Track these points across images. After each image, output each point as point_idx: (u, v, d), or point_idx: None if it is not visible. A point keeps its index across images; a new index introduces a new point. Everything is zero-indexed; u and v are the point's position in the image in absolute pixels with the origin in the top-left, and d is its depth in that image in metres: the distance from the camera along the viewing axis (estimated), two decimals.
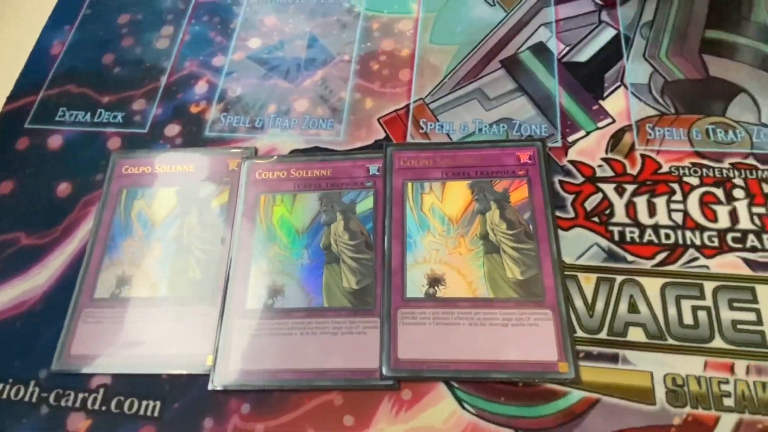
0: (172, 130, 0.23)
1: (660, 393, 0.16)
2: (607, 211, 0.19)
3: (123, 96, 0.24)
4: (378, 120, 0.22)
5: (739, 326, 0.17)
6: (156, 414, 0.18)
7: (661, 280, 0.18)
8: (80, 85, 0.24)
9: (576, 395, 0.17)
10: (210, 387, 0.18)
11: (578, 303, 0.18)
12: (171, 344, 0.18)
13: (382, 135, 0.22)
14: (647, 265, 0.18)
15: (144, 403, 0.18)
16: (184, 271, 0.20)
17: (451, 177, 0.20)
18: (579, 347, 0.17)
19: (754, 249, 0.18)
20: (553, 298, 0.18)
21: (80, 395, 0.18)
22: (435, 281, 0.19)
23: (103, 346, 0.19)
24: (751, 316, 0.17)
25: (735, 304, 0.17)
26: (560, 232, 0.19)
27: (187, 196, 0.21)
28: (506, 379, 0.17)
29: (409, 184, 0.20)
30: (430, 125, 0.22)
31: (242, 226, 0.20)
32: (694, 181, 0.20)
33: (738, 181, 0.19)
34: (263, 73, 0.24)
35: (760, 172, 0.20)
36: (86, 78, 0.25)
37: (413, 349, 0.17)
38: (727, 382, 0.16)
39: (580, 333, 0.17)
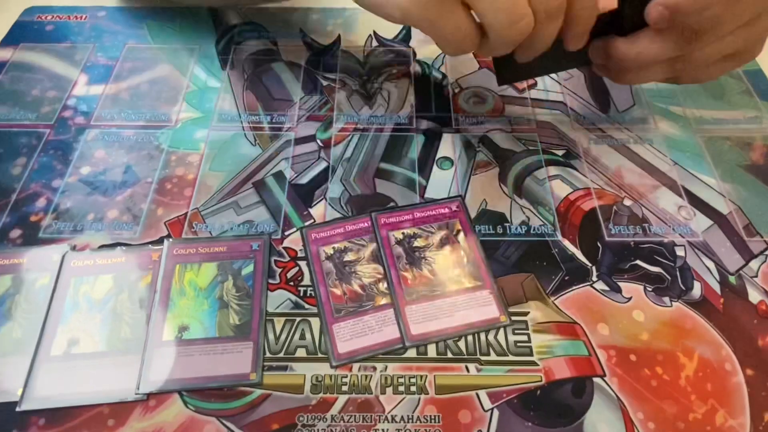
0: (15, 233, 0.33)
1: (307, 386, 0.27)
2: (299, 278, 0.31)
3: None
4: (164, 222, 0.33)
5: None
6: None
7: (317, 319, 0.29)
8: None
9: (257, 393, 0.27)
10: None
11: (271, 336, 0.29)
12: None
13: (165, 233, 0.33)
14: (314, 310, 0.30)
15: None
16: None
17: (207, 260, 0.31)
18: (266, 363, 0.28)
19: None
20: (255, 334, 0.29)
21: None
22: (182, 329, 0.29)
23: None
24: None
25: None
26: (269, 292, 0.30)
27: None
28: (218, 387, 0.27)
29: (178, 266, 0.31)
30: (200, 226, 0.33)
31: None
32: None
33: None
34: (88, 191, 0.35)
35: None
36: None
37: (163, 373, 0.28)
38: (346, 376, 0.28)
39: (268, 354, 0.28)
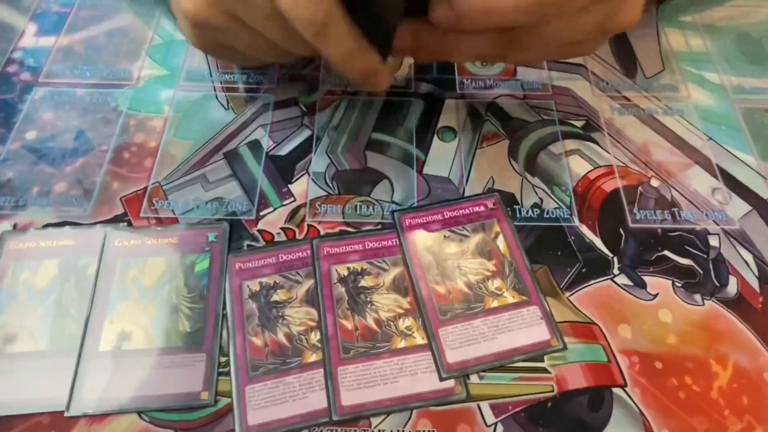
0: None
1: None
2: None
3: None
4: (120, 199, 0.29)
5: None
6: None
7: None
8: None
9: (224, 401, 0.23)
10: (67, 414, 0.23)
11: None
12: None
13: (121, 211, 0.28)
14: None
15: None
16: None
17: (154, 254, 0.27)
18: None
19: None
20: (209, 344, 0.25)
21: None
22: (123, 337, 0.25)
23: None
24: None
25: None
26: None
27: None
28: (161, 410, 0.23)
29: (119, 261, 0.27)
30: (161, 203, 0.29)
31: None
32: None
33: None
34: (33, 160, 0.30)
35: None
36: None
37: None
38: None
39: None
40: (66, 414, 0.23)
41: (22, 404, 0.23)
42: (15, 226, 0.28)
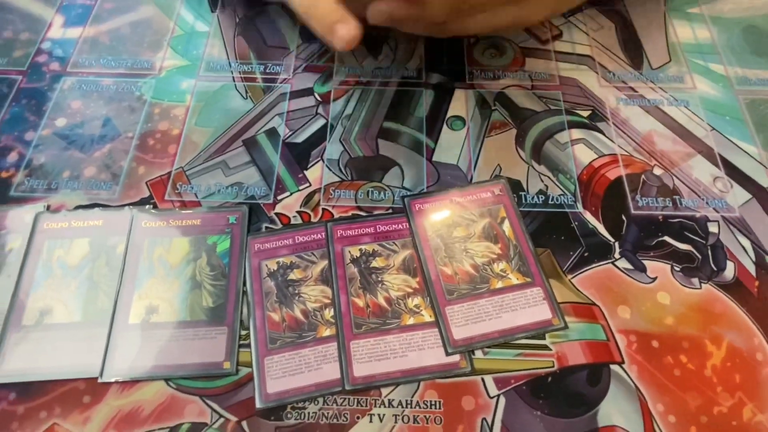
0: None
1: None
2: None
3: None
4: (146, 183, 0.30)
5: None
6: None
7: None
8: None
9: (245, 371, 0.25)
10: (100, 380, 0.25)
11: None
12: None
13: (147, 194, 0.30)
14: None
15: None
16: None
17: (178, 235, 0.29)
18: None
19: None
20: (231, 318, 0.26)
21: None
22: (150, 311, 0.27)
23: None
24: None
25: None
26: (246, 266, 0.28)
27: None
28: (187, 377, 0.25)
29: (146, 241, 0.28)
30: (184, 187, 0.30)
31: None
32: None
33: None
34: (64, 146, 0.32)
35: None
36: None
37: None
38: None
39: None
40: (99, 380, 0.25)
41: (59, 371, 0.25)
42: (48, 207, 0.30)
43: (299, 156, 0.32)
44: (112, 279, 0.27)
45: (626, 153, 0.32)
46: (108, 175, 0.31)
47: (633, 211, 0.30)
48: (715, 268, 0.28)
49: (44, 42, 0.37)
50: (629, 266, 0.29)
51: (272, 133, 0.33)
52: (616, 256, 0.29)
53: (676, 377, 0.25)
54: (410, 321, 0.27)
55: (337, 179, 0.31)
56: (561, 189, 0.31)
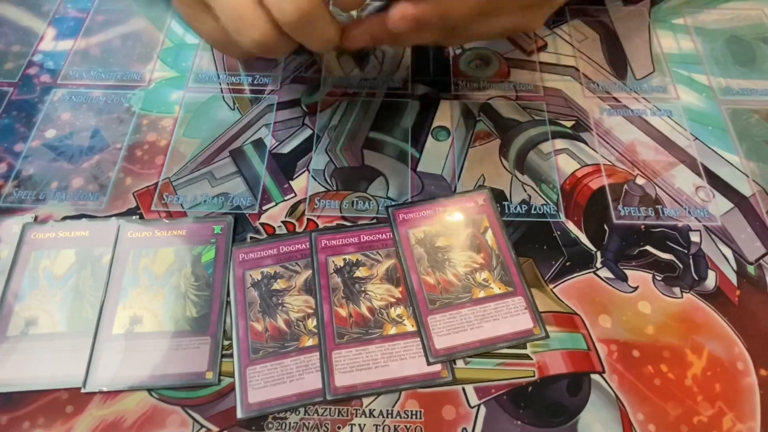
0: None
1: None
2: None
3: None
4: (133, 193, 0.31)
5: None
6: None
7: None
8: None
9: (226, 381, 0.25)
10: (83, 390, 0.25)
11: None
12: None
13: (134, 205, 0.30)
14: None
15: None
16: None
17: (164, 245, 0.29)
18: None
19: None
20: (214, 328, 0.26)
21: None
22: (134, 321, 0.27)
23: None
24: None
25: None
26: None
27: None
28: (170, 387, 0.25)
29: (132, 251, 0.29)
30: (171, 198, 0.31)
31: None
32: None
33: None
34: (52, 157, 0.32)
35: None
36: None
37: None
38: None
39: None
40: (82, 390, 0.25)
41: (42, 381, 0.25)
42: (36, 218, 0.30)
43: (285, 166, 0.32)
44: (98, 289, 0.28)
45: (609, 163, 0.33)
46: (95, 186, 0.31)
47: (615, 221, 0.30)
48: (696, 278, 0.29)
49: (36, 54, 0.37)
50: (611, 275, 0.29)
51: (259, 144, 0.33)
52: (598, 265, 0.29)
53: (657, 387, 0.26)
54: (392, 330, 0.27)
55: (323, 189, 0.31)
56: (544, 199, 0.31)
